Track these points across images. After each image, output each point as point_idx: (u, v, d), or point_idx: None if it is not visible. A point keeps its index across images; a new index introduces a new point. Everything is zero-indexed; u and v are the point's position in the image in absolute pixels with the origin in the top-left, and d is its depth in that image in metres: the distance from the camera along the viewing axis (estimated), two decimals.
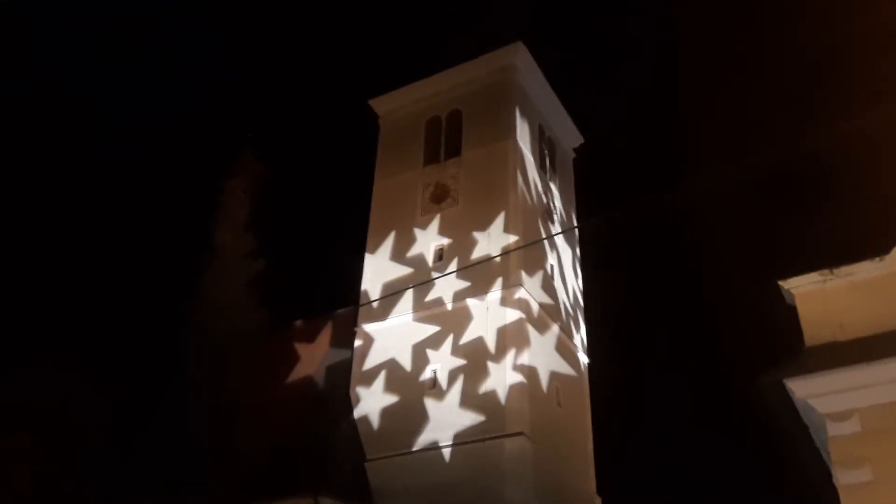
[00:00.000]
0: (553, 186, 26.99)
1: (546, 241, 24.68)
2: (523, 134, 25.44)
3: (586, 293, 26.77)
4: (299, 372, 23.97)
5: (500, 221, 23.46)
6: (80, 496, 20.61)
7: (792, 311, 10.09)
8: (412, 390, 22.02)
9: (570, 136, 29.01)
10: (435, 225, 24.46)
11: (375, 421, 22.04)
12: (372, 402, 22.36)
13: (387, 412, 22.04)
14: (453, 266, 23.28)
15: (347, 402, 22.53)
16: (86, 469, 21.49)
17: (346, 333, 24.06)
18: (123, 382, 23.72)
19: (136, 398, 23.46)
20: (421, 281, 22.69)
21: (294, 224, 35.93)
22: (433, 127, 26.65)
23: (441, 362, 22.11)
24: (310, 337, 24.96)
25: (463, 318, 22.41)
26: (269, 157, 30.64)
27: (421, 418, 21.43)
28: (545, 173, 26.69)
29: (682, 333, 33.14)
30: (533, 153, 25.85)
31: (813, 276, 9.94)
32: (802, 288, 9.96)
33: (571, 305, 25.49)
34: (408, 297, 23.42)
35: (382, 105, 27.66)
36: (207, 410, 22.29)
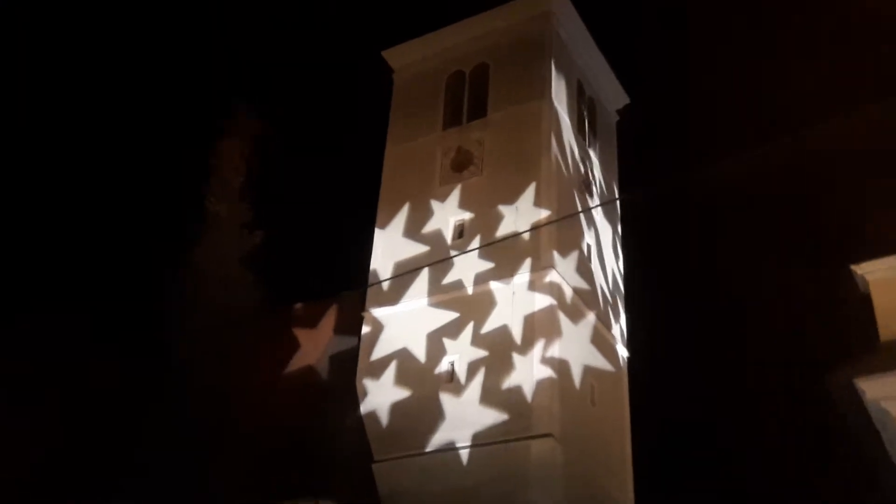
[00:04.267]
0: (592, 154, 26.74)
1: (583, 217, 24.49)
2: (560, 92, 25.18)
3: (628, 277, 26.58)
4: (299, 361, 24.02)
5: (530, 193, 23.29)
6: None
7: (866, 300, 9.89)
8: (426, 384, 22.03)
9: (613, 96, 28.66)
10: (455, 197, 24.33)
11: (384, 417, 22.10)
12: (381, 396, 22.40)
13: (397, 408, 22.07)
14: (475, 244, 23.16)
15: (353, 396, 22.62)
16: (59, 468, 21.82)
17: (352, 319, 24.07)
18: (101, 365, 24.00)
19: (117, 385, 23.75)
20: (438, 260, 22.61)
21: (295, 193, 36.04)
22: (455, 83, 26.45)
23: (459, 353, 22.06)
24: (312, 322, 25.02)
25: (485, 304, 22.34)
26: (267, 117, 30.83)
27: (436, 415, 21.46)
28: (584, 138, 26.45)
29: (738, 324, 32.88)
30: (570, 115, 25.59)
31: (891, 261, 9.73)
32: (878, 274, 9.74)
33: (610, 291, 25.32)
34: (423, 278, 23.35)
35: (397, 57, 27.44)
36: (197, 401, 22.59)
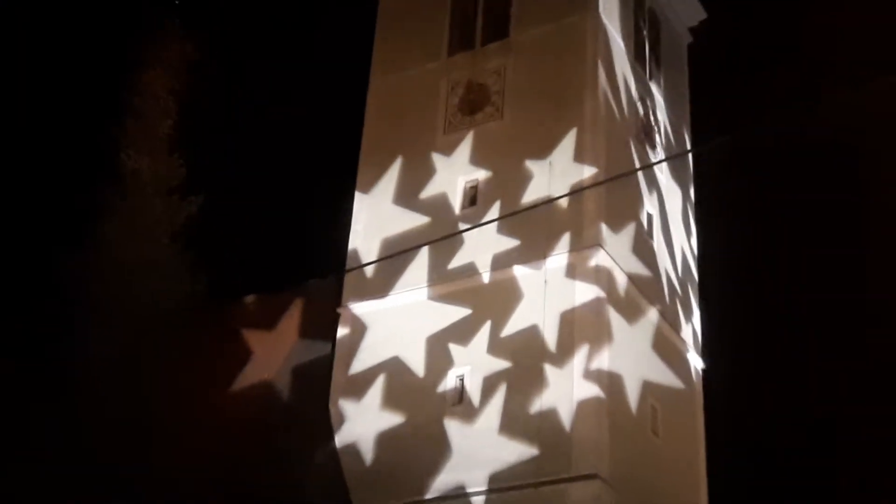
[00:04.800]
0: (655, 89, 26.62)
1: (642, 177, 24.36)
2: (610, 4, 24.98)
3: (704, 260, 26.58)
4: (251, 375, 24.00)
5: (568, 144, 23.21)
6: None
7: None
8: (426, 407, 22.07)
9: (685, 10, 28.48)
10: (465, 149, 24.31)
11: (368, 453, 22.14)
12: (363, 423, 22.46)
13: (386, 440, 22.12)
14: (493, 214, 23.08)
15: (325, 424, 22.66)
16: None
17: (323, 317, 24.08)
18: None
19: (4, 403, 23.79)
20: (442, 236, 22.51)
21: (245, 145, 35.78)
22: None
23: (471, 364, 22.07)
24: (268, 321, 24.91)
25: (507, 297, 22.32)
26: (206, 38, 30.52)
27: (439, 450, 21.48)
28: (643, 68, 26.33)
29: (857, 324, 32.72)
30: (625, 36, 25.44)
31: None
32: None
33: (679, 279, 25.27)
34: (421, 261, 23.34)
35: None
36: (109, 431, 22.56)
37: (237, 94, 35.42)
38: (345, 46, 34.26)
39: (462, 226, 23.17)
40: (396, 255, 23.08)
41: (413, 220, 24.00)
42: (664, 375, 23.50)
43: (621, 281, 22.57)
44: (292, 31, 38.81)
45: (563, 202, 22.33)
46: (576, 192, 22.30)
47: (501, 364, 21.82)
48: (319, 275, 25.83)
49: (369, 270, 23.75)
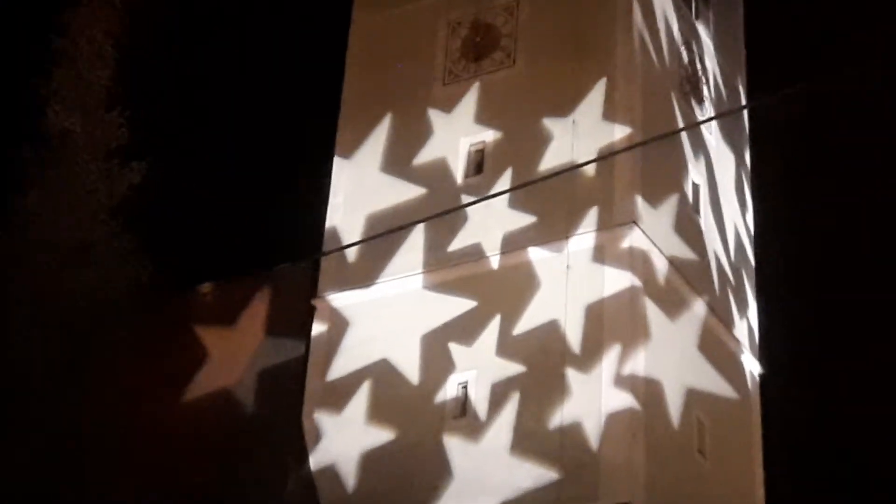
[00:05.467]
0: (703, 30, 26.65)
1: (686, 139, 24.39)
2: None
3: (762, 240, 26.64)
4: (207, 381, 24.19)
5: (596, 98, 23.25)
6: None
7: None
8: (421, 420, 22.14)
9: None
10: (469, 104, 24.35)
11: (350, 477, 22.19)
12: (344, 440, 22.52)
13: (373, 461, 22.17)
14: (503, 184, 23.09)
15: (299, 441, 22.74)
16: None
17: (295, 310, 24.23)
18: None
19: None
20: (441, 212, 22.35)
21: (199, 99, 35.70)
22: None
23: (477, 369, 22.14)
24: (228, 315, 25.08)
25: (521, 286, 22.40)
26: None
27: (437, 473, 21.54)
28: (688, 4, 26.32)
29: None
30: None
31: None
32: None
33: (732, 264, 25.29)
34: (414, 242, 23.40)
35: None
36: (35, 449, 22.59)
37: (191, 37, 35.29)
38: None
39: (465, 198, 23.11)
40: (385, 235, 23.09)
41: (405, 192, 24.00)
42: (713, 382, 23.49)
43: (661, 266, 22.53)
44: None
45: (590, 169, 22.31)
46: (605, 157, 22.29)
47: (514, 368, 21.83)
48: (290, 259, 25.82)
49: (351, 253, 23.75)
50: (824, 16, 35.99)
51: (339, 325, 23.56)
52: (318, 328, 23.71)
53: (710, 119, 25.83)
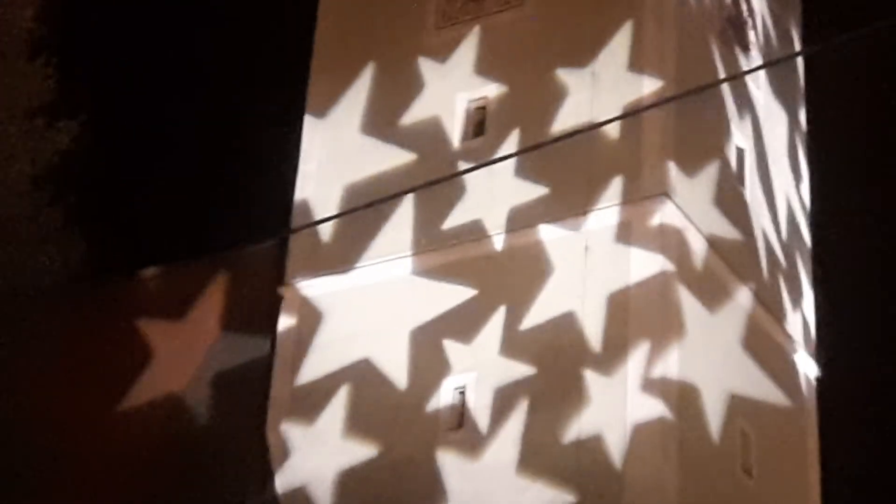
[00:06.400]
0: None
1: (729, 94, 24.48)
2: None
3: (820, 216, 26.71)
4: (152, 385, 24.30)
5: (621, 44, 23.35)
6: None
7: None
8: (410, 433, 22.24)
9: None
10: (468, 52, 24.44)
11: (325, 500, 22.29)
12: (317, 457, 22.60)
13: (352, 481, 22.25)
14: (510, 148, 23.20)
15: (262, 458, 22.82)
16: None
17: (258, 300, 24.35)
18: None
19: None
20: (433, 180, 22.31)
21: (143, 44, 35.66)
22: None
23: (477, 371, 22.25)
24: (177, 307, 25.19)
25: (530, 271, 22.52)
26: None
27: (429, 494, 21.64)
28: None
29: None
30: None
31: None
32: None
33: (784, 244, 25.40)
34: (402, 218, 23.54)
35: None
36: None
37: None
38: None
39: (464, 165, 23.19)
40: (366, 209, 22.90)
41: (391, 158, 24.09)
42: (760, 387, 23.60)
43: (698, 247, 22.65)
44: None
45: (613, 130, 22.41)
46: (631, 113, 22.39)
47: (521, 370, 21.93)
48: (252, 238, 25.83)
49: (326, 231, 23.86)
50: None
51: (312, 318, 23.66)
52: (285, 322, 23.81)
53: (758, 68, 25.79)
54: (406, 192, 22.89)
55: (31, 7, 28.86)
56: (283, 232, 24.66)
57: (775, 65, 26.39)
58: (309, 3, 26.07)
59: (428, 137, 24.04)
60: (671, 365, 21.30)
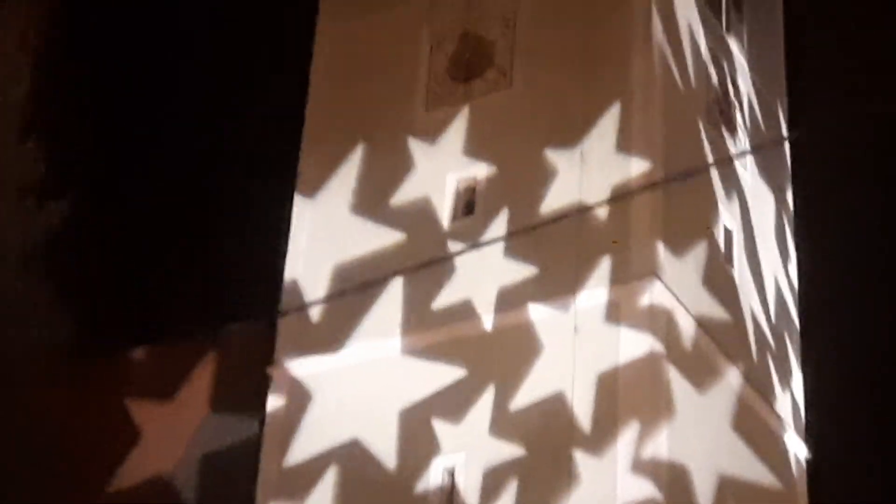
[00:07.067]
0: (735, 46, 26.94)
1: (717, 176, 24.59)
2: None
3: (809, 296, 26.75)
4: (139, 466, 24.24)
5: (608, 125, 23.42)
6: None
7: None
8: None
9: None
10: (458, 132, 24.53)
11: None
12: None
13: None
14: (499, 229, 23.23)
15: None
16: None
17: (247, 380, 24.26)
18: None
19: None
20: (424, 262, 22.67)
21: (133, 125, 35.79)
22: None
23: (466, 451, 22.13)
24: (165, 386, 25.15)
25: (519, 351, 22.45)
26: None
27: None
28: (717, 14, 26.63)
29: None
30: None
31: None
32: None
33: (773, 325, 25.47)
34: (392, 298, 23.52)
35: None
36: None
37: (123, 51, 35.43)
38: None
39: (453, 244, 23.30)
40: (356, 290, 23.14)
41: (380, 237, 24.12)
42: (750, 468, 23.53)
43: (687, 327, 22.63)
44: None
45: (602, 212, 22.44)
46: (621, 196, 22.43)
47: (511, 450, 21.80)
48: (241, 317, 25.80)
49: (315, 311, 23.84)
50: (879, 30, 36.25)
51: (301, 397, 23.57)
52: (274, 402, 23.71)
53: (746, 153, 25.92)
54: (396, 273, 23.00)
55: (23, 87, 29.07)
56: (272, 313, 24.57)
57: (763, 149, 26.45)
58: (299, 83, 26.23)
59: (418, 217, 24.06)
60: (661, 445, 21.13)
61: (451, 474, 22.06)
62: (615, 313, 22.01)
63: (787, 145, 27.68)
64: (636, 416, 21.29)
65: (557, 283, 22.47)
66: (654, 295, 21.99)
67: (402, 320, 23.33)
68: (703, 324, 23.00)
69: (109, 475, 24.32)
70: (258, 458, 23.36)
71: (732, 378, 23.60)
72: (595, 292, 22.20)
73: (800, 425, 25.31)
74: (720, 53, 26.09)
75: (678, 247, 23.01)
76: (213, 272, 32.73)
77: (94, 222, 30.07)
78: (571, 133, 23.52)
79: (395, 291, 23.43)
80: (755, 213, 25.77)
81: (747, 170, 25.91)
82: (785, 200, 27.25)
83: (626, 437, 21.15)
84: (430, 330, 23.12)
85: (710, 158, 24.48)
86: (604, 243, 22.46)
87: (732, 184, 25.24)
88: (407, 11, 25.92)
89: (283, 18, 31.40)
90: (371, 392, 23.01)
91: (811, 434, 25.38)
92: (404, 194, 24.40)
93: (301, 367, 23.75)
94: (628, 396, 21.45)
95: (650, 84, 23.57)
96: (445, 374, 22.71)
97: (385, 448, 22.60)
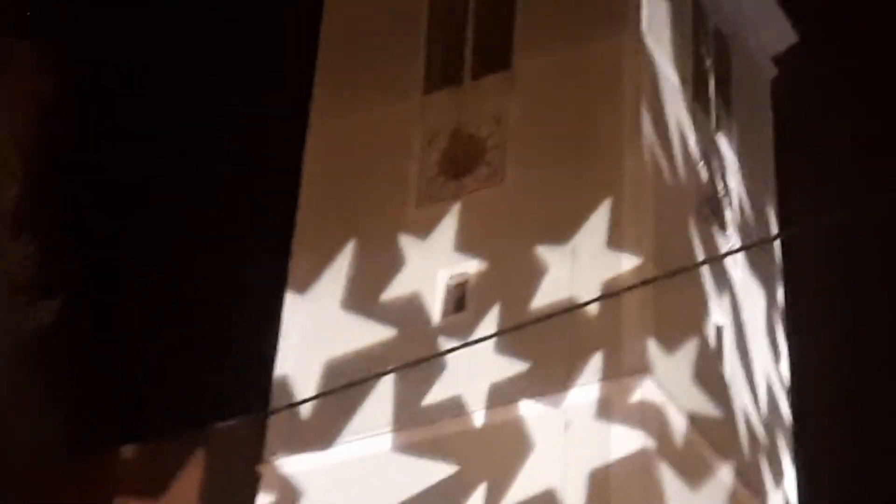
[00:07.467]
0: (725, 144, 27.07)
1: (708, 272, 24.60)
2: (658, 20, 25.49)
3: (800, 393, 26.73)
4: None
5: (599, 222, 23.50)
6: None
7: None
8: None
9: (766, 32, 29.03)
10: (449, 228, 24.59)
11: None
12: None
13: None
14: (490, 325, 23.22)
15: None
16: None
17: (237, 478, 24.11)
18: None
19: None
20: (415, 360, 22.38)
21: (125, 224, 35.87)
22: (449, 2, 26.88)
23: None
24: (154, 484, 24.99)
25: (510, 447, 22.36)
26: (71, 73, 30.59)
27: None
28: (706, 113, 26.78)
29: None
30: (679, 67, 25.93)
31: None
32: None
33: (765, 421, 25.38)
34: (383, 395, 23.41)
35: None
36: None
37: (115, 152, 35.57)
38: (275, 78, 34.47)
39: (444, 342, 23.22)
40: (347, 388, 22.83)
41: (371, 333, 24.06)
42: None
43: (678, 424, 22.55)
44: (192, 58, 39.09)
45: (593, 308, 22.37)
46: (612, 294, 22.41)
47: None
48: (231, 415, 25.68)
49: (306, 408, 23.66)
50: (869, 129, 36.52)
51: (290, 495, 23.39)
52: (264, 500, 23.50)
53: (736, 251, 25.96)
54: (387, 372, 22.94)
55: (15, 186, 29.11)
56: (262, 410, 24.45)
57: (752, 246, 26.54)
58: (290, 181, 26.33)
59: (409, 313, 24.03)
60: None
61: None
62: (606, 410, 21.96)
63: (777, 243, 27.67)
64: None
65: (548, 379, 22.44)
66: (645, 392, 21.96)
67: (392, 417, 23.23)
68: (694, 420, 22.92)
69: None
70: None
71: (724, 475, 23.43)
72: (586, 389, 22.17)
73: None
74: (710, 151, 26.24)
75: (669, 343, 23.01)
76: (202, 369, 32.70)
77: (85, 321, 30.03)
78: (562, 229, 23.59)
79: (385, 388, 23.31)
80: (746, 310, 25.77)
81: (737, 266, 25.87)
82: (775, 297, 27.25)
83: None
84: (420, 427, 23.00)
85: (701, 255, 24.52)
86: (595, 339, 22.48)
87: (723, 280, 25.25)
88: (399, 108, 26.08)
89: (274, 114, 31.61)
90: (362, 489, 22.78)
91: None
92: (395, 290, 24.37)
93: (291, 465, 23.56)
94: (620, 494, 21.36)
95: (641, 181, 23.70)
96: (436, 472, 22.54)
97: None
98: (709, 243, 25.05)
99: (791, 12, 28.98)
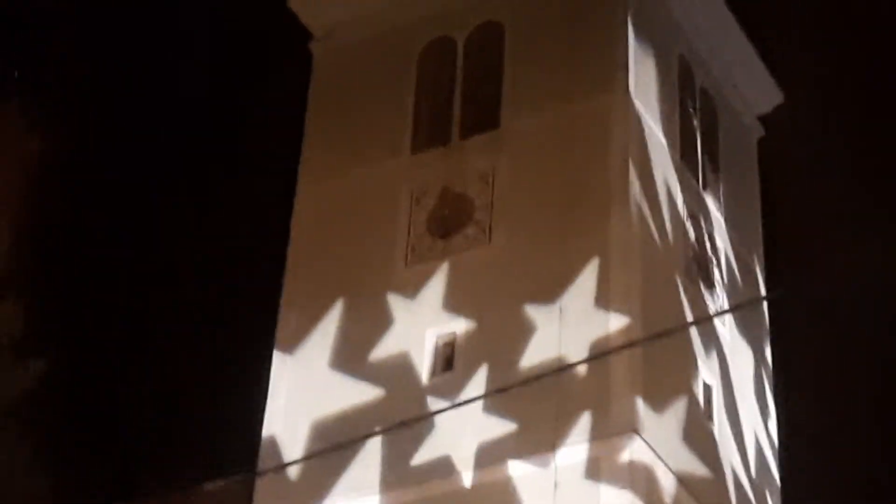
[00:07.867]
0: (712, 203, 27.17)
1: (696, 332, 24.64)
2: (646, 81, 25.64)
3: (789, 452, 26.65)
4: None
5: (587, 281, 23.50)
6: None
7: None
8: None
9: (753, 92, 29.25)
10: (437, 288, 24.57)
11: None
12: None
13: None
14: (479, 385, 23.18)
15: None
16: None
17: None
18: None
19: None
20: (404, 421, 22.49)
21: (112, 284, 35.79)
22: (437, 62, 27.01)
23: None
24: None
25: None
26: (59, 131, 30.66)
27: None
28: (694, 173, 26.88)
29: None
30: (667, 128, 26.05)
31: None
32: None
33: (753, 481, 25.29)
34: (371, 455, 23.29)
35: (318, 11, 28.13)
36: None
37: (102, 211, 35.54)
38: (260, 137, 34.49)
39: (433, 402, 23.18)
40: (335, 448, 22.95)
41: (359, 393, 23.97)
42: None
43: (667, 483, 22.46)
44: (180, 120, 39.11)
45: (581, 368, 22.39)
46: (600, 355, 22.41)
47: None
48: (220, 475, 25.57)
49: (294, 469, 23.57)
50: (855, 190, 36.57)
51: None
52: None
53: (724, 312, 26.00)
54: (376, 433, 22.85)
55: (2, 245, 29.12)
56: (250, 471, 24.31)
57: (741, 307, 26.53)
58: (278, 240, 26.33)
59: (397, 373, 23.95)
60: None
61: None
62: (595, 469, 21.85)
63: (765, 304, 27.70)
64: None
65: (537, 438, 22.32)
66: (634, 451, 21.86)
67: (380, 477, 23.09)
68: (683, 480, 22.83)
69: None
70: None
71: None
72: (575, 448, 22.06)
73: None
74: (697, 211, 26.30)
75: (658, 402, 22.94)
76: (189, 429, 32.53)
77: (73, 380, 29.97)
78: (550, 289, 23.58)
79: (373, 448, 23.16)
80: (734, 369, 25.73)
81: (725, 325, 25.90)
82: (763, 356, 27.23)
83: None
84: (408, 487, 22.86)
85: (689, 315, 24.50)
86: (583, 399, 22.40)
87: (711, 339, 25.24)
88: (387, 168, 26.16)
89: (262, 173, 31.66)
90: None
91: None
92: (383, 350, 24.32)
93: None
94: None
95: (628, 241, 23.72)
96: None
97: None
98: (697, 302, 25.05)
99: (777, 72, 29.24)
